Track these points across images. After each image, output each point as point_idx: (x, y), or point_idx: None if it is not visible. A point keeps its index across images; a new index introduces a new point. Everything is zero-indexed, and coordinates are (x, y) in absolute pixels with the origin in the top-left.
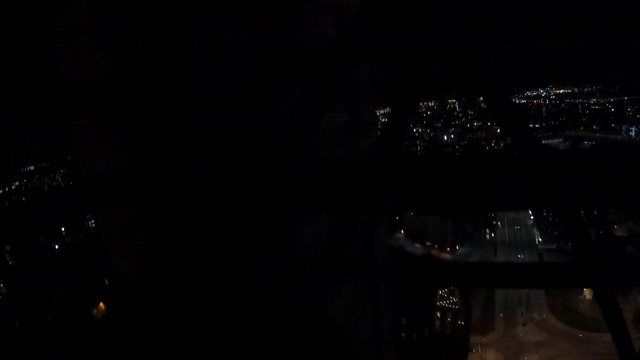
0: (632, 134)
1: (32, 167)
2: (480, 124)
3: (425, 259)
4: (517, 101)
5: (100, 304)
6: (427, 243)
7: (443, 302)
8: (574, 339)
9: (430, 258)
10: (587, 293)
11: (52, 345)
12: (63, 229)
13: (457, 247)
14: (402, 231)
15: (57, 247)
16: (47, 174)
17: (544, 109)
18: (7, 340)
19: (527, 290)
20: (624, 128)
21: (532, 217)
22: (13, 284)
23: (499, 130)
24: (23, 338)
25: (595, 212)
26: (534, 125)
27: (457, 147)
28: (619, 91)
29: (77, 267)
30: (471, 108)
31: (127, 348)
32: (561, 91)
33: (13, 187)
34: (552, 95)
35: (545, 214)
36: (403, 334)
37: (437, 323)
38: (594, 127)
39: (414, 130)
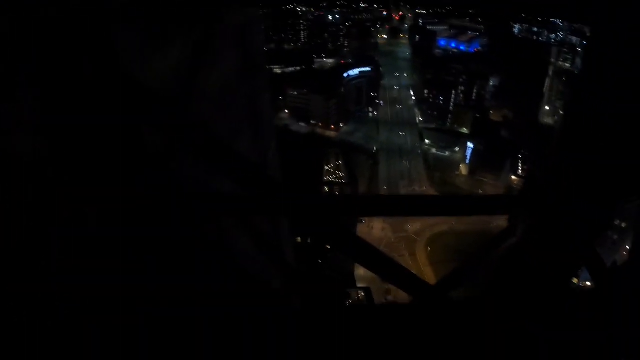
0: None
1: None
2: (366, 5)
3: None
4: None
5: None
6: (312, 122)
7: (330, 177)
8: None
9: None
10: (463, 169)
11: None
12: None
13: (342, 125)
14: (287, 111)
15: None
16: None
17: None
18: None
19: (408, 165)
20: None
21: (413, 98)
22: None
23: (384, 13)
24: None
25: (473, 97)
26: (420, 11)
27: (341, 27)
28: None
29: None
30: None
31: None
32: None
33: None
34: None
35: (425, 95)
36: None
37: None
38: (479, 19)
39: (298, 9)
